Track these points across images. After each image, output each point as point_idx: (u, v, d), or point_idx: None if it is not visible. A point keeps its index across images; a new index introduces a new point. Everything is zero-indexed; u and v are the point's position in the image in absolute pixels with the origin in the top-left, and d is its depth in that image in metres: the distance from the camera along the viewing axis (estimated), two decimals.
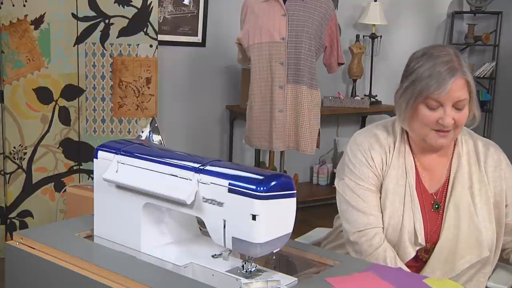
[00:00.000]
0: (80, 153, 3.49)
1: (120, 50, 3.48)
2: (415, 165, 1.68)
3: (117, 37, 3.46)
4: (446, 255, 1.60)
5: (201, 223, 1.47)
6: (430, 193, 1.67)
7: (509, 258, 1.69)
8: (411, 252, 1.62)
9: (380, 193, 1.67)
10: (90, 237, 1.58)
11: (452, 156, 1.67)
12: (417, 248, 1.63)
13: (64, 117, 3.44)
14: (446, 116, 1.54)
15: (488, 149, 1.67)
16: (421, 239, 1.62)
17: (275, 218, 1.27)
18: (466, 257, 1.59)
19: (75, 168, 3.50)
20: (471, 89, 1.56)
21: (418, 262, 1.65)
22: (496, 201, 1.63)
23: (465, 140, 1.68)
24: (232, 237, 1.28)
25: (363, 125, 5.15)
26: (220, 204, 1.29)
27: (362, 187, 1.67)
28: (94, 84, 3.47)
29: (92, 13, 3.39)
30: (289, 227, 1.32)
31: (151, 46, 3.52)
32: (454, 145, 1.68)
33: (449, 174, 1.66)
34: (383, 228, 1.64)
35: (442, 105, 1.54)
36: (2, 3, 3.25)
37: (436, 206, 1.65)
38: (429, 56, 1.56)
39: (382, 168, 1.67)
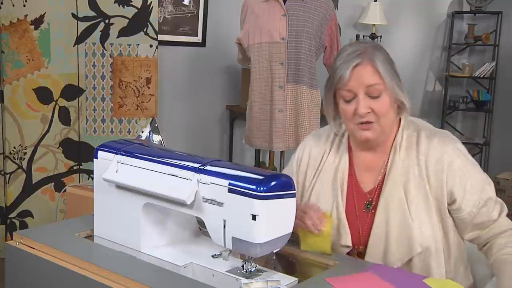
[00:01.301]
0: (80, 153, 3.49)
1: (120, 50, 3.48)
2: (352, 166, 1.65)
3: (117, 37, 3.46)
4: (379, 255, 1.55)
5: (201, 223, 1.47)
6: (365, 192, 1.62)
7: (486, 254, 1.58)
8: (340, 253, 1.59)
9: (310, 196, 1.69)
10: (90, 237, 1.58)
11: (390, 153, 1.61)
12: (346, 250, 1.60)
13: (64, 117, 3.44)
14: (359, 105, 1.51)
15: (431, 141, 1.56)
16: (345, 241, 1.59)
17: (275, 218, 1.27)
18: (397, 255, 1.53)
19: (75, 168, 3.50)
20: (383, 77, 1.51)
21: None
22: (436, 195, 1.54)
23: (407, 134, 1.61)
24: (232, 237, 1.28)
25: None
26: (220, 204, 1.29)
27: None
28: (94, 84, 3.47)
29: (92, 13, 3.39)
30: (289, 227, 1.32)
31: (151, 46, 3.52)
32: (394, 140, 1.62)
33: (385, 171, 1.60)
34: None
35: (356, 95, 1.52)
36: (2, 3, 3.25)
37: (368, 205, 1.61)
38: (342, 51, 1.57)
39: (309, 171, 1.71)
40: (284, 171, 1.80)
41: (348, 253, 1.61)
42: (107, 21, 3.43)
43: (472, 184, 1.54)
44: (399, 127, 1.62)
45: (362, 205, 1.62)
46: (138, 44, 3.49)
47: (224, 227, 1.29)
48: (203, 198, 1.31)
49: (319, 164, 1.70)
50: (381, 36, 5.06)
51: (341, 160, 1.66)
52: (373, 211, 1.59)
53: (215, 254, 1.39)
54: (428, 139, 1.58)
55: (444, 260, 1.57)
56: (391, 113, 1.56)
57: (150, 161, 1.42)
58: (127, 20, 3.45)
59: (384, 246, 1.55)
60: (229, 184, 1.26)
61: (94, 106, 3.49)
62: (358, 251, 1.61)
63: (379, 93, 1.52)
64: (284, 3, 3.22)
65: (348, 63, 1.52)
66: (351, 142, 1.68)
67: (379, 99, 1.52)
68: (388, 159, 1.61)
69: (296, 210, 1.37)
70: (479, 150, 5.39)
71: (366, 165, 1.64)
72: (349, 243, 1.59)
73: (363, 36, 5.07)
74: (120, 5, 3.42)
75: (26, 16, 3.29)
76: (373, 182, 1.62)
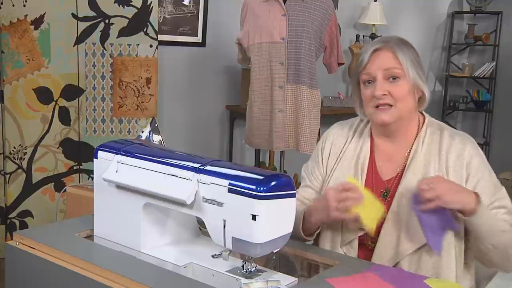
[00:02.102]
0: (80, 153, 3.49)
1: (120, 50, 3.48)
2: (373, 154, 1.70)
3: (117, 37, 3.46)
4: (391, 242, 1.59)
5: (201, 223, 1.47)
6: (384, 181, 1.67)
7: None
8: (352, 235, 1.63)
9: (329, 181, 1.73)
10: (90, 237, 1.58)
11: (412, 146, 1.66)
12: (360, 233, 1.62)
13: (64, 117, 3.44)
14: (376, 87, 1.59)
15: (453, 139, 1.64)
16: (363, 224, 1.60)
17: (275, 218, 1.27)
18: (409, 243, 1.57)
19: (75, 168, 3.50)
20: (402, 63, 1.59)
21: (367, 251, 1.64)
22: None
23: (431, 131, 1.67)
24: (232, 237, 1.28)
25: None
26: (220, 204, 1.29)
27: (306, 180, 1.81)
28: (94, 84, 3.47)
29: (92, 13, 3.39)
30: (289, 227, 1.32)
31: (151, 46, 3.52)
32: (416, 136, 1.67)
33: (406, 163, 1.65)
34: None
35: (375, 79, 1.60)
36: (2, 3, 3.24)
37: (385, 194, 1.65)
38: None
39: (331, 159, 1.75)
40: (310, 161, 1.82)
41: (360, 238, 1.64)
42: (107, 21, 3.43)
43: (484, 184, 1.60)
44: (423, 123, 1.69)
45: (379, 193, 1.66)
46: (138, 44, 3.49)
47: (224, 227, 1.29)
48: (203, 198, 1.31)
49: (341, 151, 1.75)
50: (381, 36, 5.06)
51: (362, 147, 1.72)
52: (389, 198, 1.63)
53: (215, 254, 1.39)
54: (450, 137, 1.65)
55: (455, 256, 1.58)
56: (409, 100, 1.62)
57: (150, 161, 1.42)
58: (127, 20, 3.45)
59: (397, 234, 1.58)
60: (229, 184, 1.26)
61: (94, 106, 3.49)
62: (371, 236, 1.63)
63: (397, 76, 1.59)
64: (284, 3, 3.22)
65: (369, 48, 1.62)
66: (372, 129, 1.73)
67: (397, 83, 1.59)
68: (409, 151, 1.66)
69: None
70: None
71: (386, 155, 1.69)
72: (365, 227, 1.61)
73: (363, 36, 5.07)
74: (120, 5, 3.42)
75: (26, 16, 3.29)
76: (392, 172, 1.67)
